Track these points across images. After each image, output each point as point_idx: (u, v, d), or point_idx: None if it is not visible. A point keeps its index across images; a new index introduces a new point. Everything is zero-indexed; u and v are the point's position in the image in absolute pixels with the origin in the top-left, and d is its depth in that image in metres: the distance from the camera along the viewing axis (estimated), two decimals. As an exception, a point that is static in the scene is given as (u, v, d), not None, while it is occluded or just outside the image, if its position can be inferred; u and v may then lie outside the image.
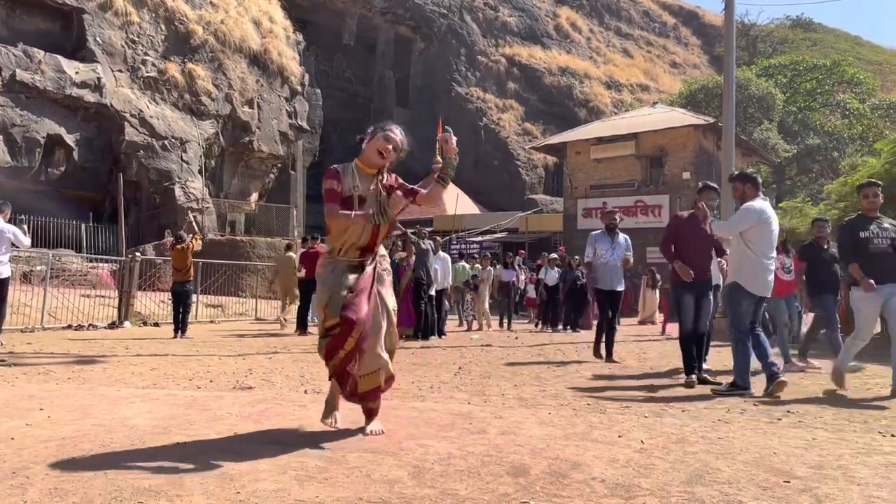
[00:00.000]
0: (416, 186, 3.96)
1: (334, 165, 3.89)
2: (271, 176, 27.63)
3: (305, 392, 5.44)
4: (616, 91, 43.67)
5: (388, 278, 3.93)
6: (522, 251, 22.59)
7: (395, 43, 39.03)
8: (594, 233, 8.81)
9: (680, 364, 6.63)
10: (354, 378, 3.73)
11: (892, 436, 4.04)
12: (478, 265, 15.84)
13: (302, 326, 12.10)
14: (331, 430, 3.87)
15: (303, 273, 11.98)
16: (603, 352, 8.41)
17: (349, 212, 3.69)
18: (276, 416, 4.40)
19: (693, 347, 6.40)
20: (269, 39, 26.89)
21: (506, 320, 15.37)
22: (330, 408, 3.98)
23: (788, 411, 4.85)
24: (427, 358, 8.49)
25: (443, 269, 12.70)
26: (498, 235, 28.52)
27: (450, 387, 5.88)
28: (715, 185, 6.61)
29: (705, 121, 25.22)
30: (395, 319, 3.90)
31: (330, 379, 3.88)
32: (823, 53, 55.21)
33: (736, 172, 6.43)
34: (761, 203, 5.86)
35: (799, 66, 43.43)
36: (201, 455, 3.30)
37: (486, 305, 14.98)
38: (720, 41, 44.05)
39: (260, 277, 18.91)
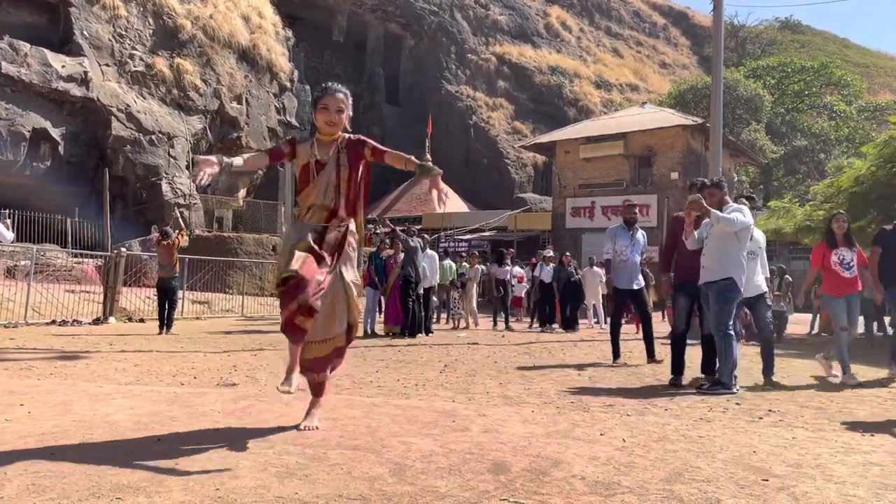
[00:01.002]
0: (386, 148, 3.96)
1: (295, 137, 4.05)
2: (259, 172, 27.50)
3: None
4: (605, 90, 43.80)
5: (353, 255, 3.94)
6: (512, 249, 22.59)
7: (385, 40, 38.96)
8: (612, 227, 8.34)
9: (698, 373, 6.48)
10: (303, 341, 3.71)
11: (872, 435, 4.07)
12: (465, 263, 15.82)
13: None
14: (312, 428, 3.85)
15: None
16: (620, 355, 7.99)
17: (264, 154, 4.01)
18: (259, 412, 4.39)
19: (684, 349, 6.37)
20: (258, 35, 26.78)
21: (500, 319, 14.92)
22: (289, 372, 3.77)
23: (770, 410, 4.89)
24: (413, 356, 8.48)
25: (430, 267, 12.70)
26: (486, 234, 28.54)
27: (435, 384, 5.89)
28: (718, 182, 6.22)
29: (694, 121, 25.35)
30: (355, 293, 3.89)
31: (283, 330, 3.72)
32: (811, 55, 55.72)
33: (708, 181, 6.29)
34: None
35: (787, 67, 43.78)
36: (182, 452, 3.29)
37: (474, 304, 14.97)
38: (709, 42, 44.28)
39: (247, 274, 18.83)
